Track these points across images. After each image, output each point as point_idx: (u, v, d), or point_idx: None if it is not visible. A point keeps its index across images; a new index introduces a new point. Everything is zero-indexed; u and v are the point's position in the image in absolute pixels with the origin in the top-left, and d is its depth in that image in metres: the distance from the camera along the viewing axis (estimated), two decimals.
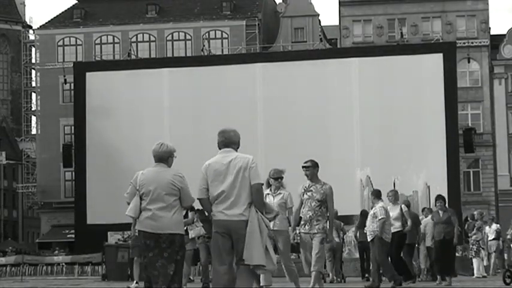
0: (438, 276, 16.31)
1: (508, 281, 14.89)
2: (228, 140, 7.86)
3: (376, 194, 14.56)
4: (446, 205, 17.48)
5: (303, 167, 10.95)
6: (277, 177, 11.22)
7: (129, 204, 7.85)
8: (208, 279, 13.75)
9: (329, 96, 32.62)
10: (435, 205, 16.72)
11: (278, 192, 11.19)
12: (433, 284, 17.43)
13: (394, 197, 15.54)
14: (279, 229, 10.85)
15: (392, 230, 15.17)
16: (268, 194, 11.07)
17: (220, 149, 7.80)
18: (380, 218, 14.01)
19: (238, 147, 7.87)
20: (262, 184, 7.78)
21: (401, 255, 16.15)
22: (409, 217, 15.58)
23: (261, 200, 7.64)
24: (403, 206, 15.51)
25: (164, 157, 7.79)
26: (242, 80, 33.79)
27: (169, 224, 7.61)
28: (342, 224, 18.84)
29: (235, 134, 8.02)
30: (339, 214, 17.97)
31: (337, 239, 18.50)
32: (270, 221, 7.79)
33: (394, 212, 15.25)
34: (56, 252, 41.05)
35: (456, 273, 19.43)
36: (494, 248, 22.71)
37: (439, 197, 16.85)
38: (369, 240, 14.76)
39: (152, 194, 7.67)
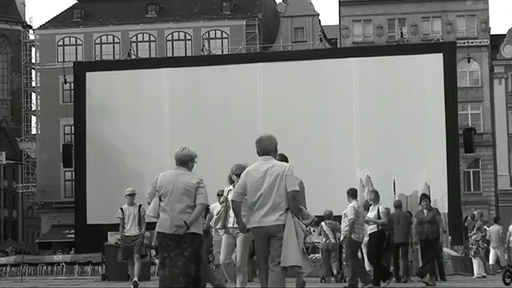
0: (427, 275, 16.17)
1: (507, 281, 14.89)
2: (265, 150, 8.07)
3: (352, 194, 14.38)
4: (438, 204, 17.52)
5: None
6: (239, 174, 10.28)
7: (149, 204, 8.22)
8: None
9: (329, 96, 32.62)
10: (419, 204, 16.57)
11: None
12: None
13: (374, 197, 15.39)
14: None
15: (371, 230, 15.16)
16: (230, 190, 10.58)
17: (259, 156, 8.10)
18: (349, 218, 13.96)
19: (276, 153, 8.18)
20: (298, 191, 8.04)
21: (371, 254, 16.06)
22: (385, 217, 15.36)
23: (297, 206, 7.96)
24: (380, 206, 15.36)
25: (185, 161, 8.15)
26: (242, 80, 33.78)
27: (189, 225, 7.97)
28: (338, 224, 18.62)
29: (270, 142, 8.17)
30: (336, 214, 17.82)
31: (332, 240, 18.46)
32: (306, 226, 8.21)
33: (373, 212, 15.19)
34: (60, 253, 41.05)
35: (437, 275, 19.26)
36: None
37: (424, 196, 16.75)
38: (341, 239, 14.95)
39: (170, 196, 8.02)
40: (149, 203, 8.25)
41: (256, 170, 7.95)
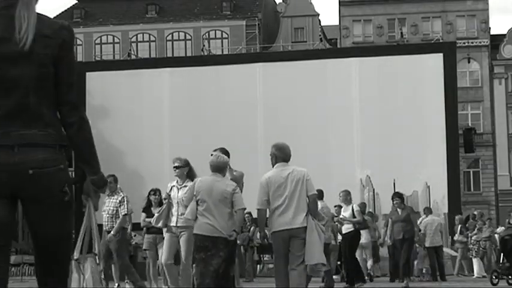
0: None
1: (495, 281, 14.86)
2: (287, 156, 8.86)
3: (318, 195, 14.43)
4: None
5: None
6: (174, 166, 10.43)
7: (186, 207, 8.97)
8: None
9: (329, 96, 32.60)
10: (392, 203, 16.34)
11: (184, 184, 10.18)
12: (432, 284, 17.45)
13: (346, 197, 15.34)
14: (184, 224, 10.00)
15: (347, 229, 15.18)
16: (173, 186, 10.41)
17: (276, 162, 8.80)
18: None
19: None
20: (317, 194, 8.96)
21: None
22: (360, 216, 15.38)
23: (316, 208, 8.84)
24: (355, 205, 15.38)
25: (221, 168, 8.80)
26: (242, 80, 33.78)
27: (225, 228, 8.55)
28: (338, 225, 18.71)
29: (289, 149, 9.02)
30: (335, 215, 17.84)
31: (333, 242, 18.51)
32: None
33: (346, 213, 15.19)
34: None
35: (438, 275, 19.34)
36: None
37: (396, 195, 16.53)
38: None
39: (208, 201, 8.60)
40: (186, 206, 8.91)
41: (277, 176, 8.58)
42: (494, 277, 15.22)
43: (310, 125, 32.13)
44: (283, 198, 8.43)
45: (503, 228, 23.24)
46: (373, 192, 29.91)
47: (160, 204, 11.98)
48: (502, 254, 15.52)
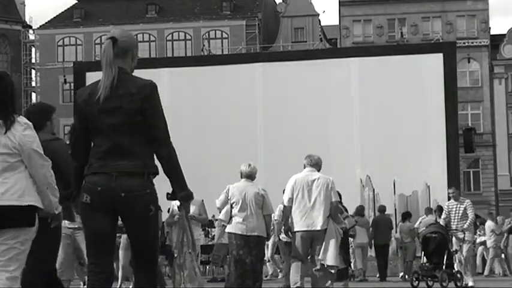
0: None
1: (415, 283, 14.09)
2: (317, 164, 9.90)
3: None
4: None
5: None
6: None
7: (219, 209, 10.04)
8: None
9: (329, 96, 32.58)
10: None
11: None
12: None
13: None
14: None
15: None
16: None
17: (305, 167, 9.83)
18: (275, 219, 13.91)
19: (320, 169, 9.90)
20: (339, 201, 10.07)
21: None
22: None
23: (337, 213, 9.81)
24: None
25: (252, 175, 9.94)
26: (242, 80, 33.75)
27: (256, 228, 9.67)
28: None
29: (320, 159, 10.08)
30: None
31: None
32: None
33: None
34: None
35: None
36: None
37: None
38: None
39: (242, 204, 9.71)
40: (219, 209, 10.00)
41: (304, 180, 9.57)
42: (414, 279, 14.28)
43: (310, 125, 32.11)
44: (308, 201, 9.38)
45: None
46: (373, 192, 29.89)
47: None
48: (423, 254, 14.47)
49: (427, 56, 32.75)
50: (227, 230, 9.86)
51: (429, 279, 14.10)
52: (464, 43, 48.22)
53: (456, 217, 14.48)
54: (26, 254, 4.61)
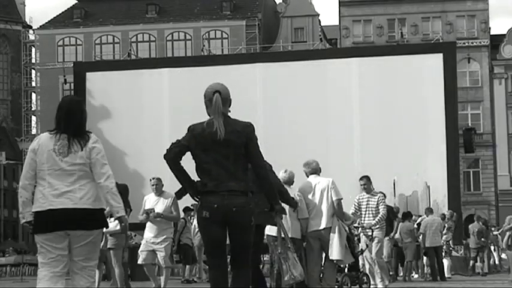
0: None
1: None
2: (314, 170, 10.54)
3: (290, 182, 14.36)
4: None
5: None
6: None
7: None
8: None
9: (329, 96, 32.59)
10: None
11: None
12: (433, 284, 17.45)
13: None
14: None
15: None
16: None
17: (308, 176, 10.51)
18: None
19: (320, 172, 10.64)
20: (342, 199, 10.42)
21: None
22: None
23: (341, 210, 10.42)
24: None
25: (290, 181, 10.31)
26: (242, 80, 33.74)
27: (291, 229, 9.87)
28: None
29: (317, 163, 10.73)
30: None
31: None
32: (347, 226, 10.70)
33: None
34: None
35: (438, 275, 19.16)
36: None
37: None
38: None
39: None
40: None
41: (307, 186, 10.35)
42: (344, 283, 12.95)
43: (310, 124, 32.11)
44: (313, 204, 10.17)
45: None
46: None
47: None
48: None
49: (427, 56, 32.74)
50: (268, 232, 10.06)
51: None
52: (464, 43, 48.25)
53: (367, 212, 12.82)
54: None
